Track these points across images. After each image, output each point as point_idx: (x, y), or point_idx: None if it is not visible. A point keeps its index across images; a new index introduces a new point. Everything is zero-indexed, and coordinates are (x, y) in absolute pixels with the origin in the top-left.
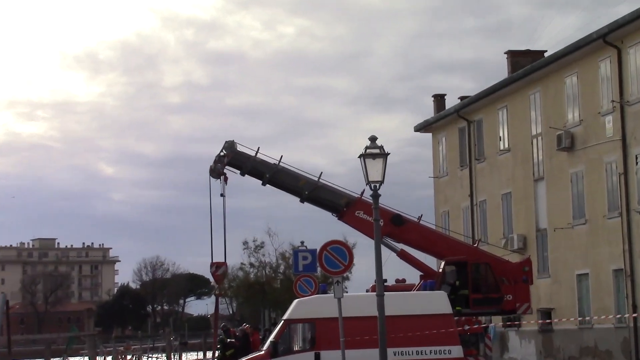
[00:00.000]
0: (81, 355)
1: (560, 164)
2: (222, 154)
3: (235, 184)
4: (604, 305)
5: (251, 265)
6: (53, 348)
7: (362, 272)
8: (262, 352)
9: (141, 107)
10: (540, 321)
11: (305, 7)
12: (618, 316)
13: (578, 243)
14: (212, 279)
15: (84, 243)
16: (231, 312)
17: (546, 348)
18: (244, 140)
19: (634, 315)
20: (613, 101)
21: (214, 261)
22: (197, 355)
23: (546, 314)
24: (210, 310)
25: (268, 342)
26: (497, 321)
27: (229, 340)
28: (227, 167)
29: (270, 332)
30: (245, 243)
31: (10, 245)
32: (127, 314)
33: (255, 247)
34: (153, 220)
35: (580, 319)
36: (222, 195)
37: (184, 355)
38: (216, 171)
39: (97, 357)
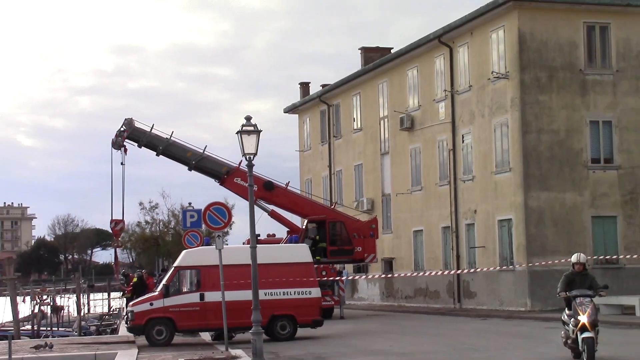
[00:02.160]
0: (4, 295)
1: (402, 141)
2: (122, 129)
3: (134, 154)
4: (434, 255)
5: (147, 222)
6: None
7: (239, 229)
8: (157, 293)
9: (55, 88)
10: (383, 269)
11: (195, 6)
12: (445, 266)
13: (415, 206)
14: (113, 234)
15: (5, 202)
16: (131, 260)
17: (388, 290)
18: (142, 118)
19: (457, 267)
20: (445, 90)
21: (113, 218)
22: (102, 295)
23: (388, 262)
24: (113, 259)
25: (161, 285)
26: (349, 268)
27: (124, 285)
28: (126, 140)
29: (163, 277)
30: (141, 204)
31: None
32: (43, 262)
33: (151, 207)
34: (64, 185)
35: (414, 268)
36: (122, 164)
37: (91, 295)
38: (117, 144)
39: (17, 298)
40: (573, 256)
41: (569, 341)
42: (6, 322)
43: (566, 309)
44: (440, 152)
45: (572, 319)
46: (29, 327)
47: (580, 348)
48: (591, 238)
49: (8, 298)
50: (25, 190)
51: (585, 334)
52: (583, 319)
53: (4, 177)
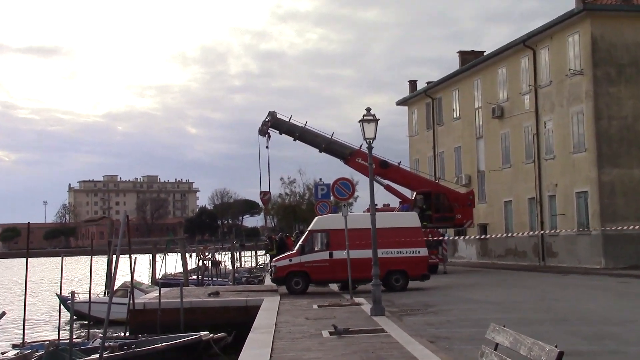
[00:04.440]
0: (175, 252)
1: (494, 128)
2: (267, 119)
3: (276, 140)
4: (522, 221)
5: (286, 194)
6: (157, 247)
7: (361, 200)
8: (294, 252)
9: (214, 88)
10: (479, 233)
11: (325, 20)
12: (531, 230)
13: (505, 180)
14: (260, 203)
15: (176, 179)
16: (273, 225)
17: (483, 250)
18: (282, 111)
19: (542, 230)
20: (530, 85)
21: (262, 190)
22: (251, 253)
23: (483, 227)
24: (260, 223)
25: (298, 245)
26: (450, 232)
27: (270, 246)
28: (270, 129)
29: (299, 239)
30: (282, 179)
31: (129, 180)
32: (205, 226)
33: (289, 182)
34: (222, 164)
35: (505, 231)
36: (267, 147)
37: (242, 252)
38: (263, 131)
39: (186, 254)
40: None
41: None
42: (178, 273)
43: None
44: (526, 136)
45: None
46: (195, 277)
47: None
48: None
49: (179, 254)
50: (192, 169)
51: None
52: None
53: (176, 158)
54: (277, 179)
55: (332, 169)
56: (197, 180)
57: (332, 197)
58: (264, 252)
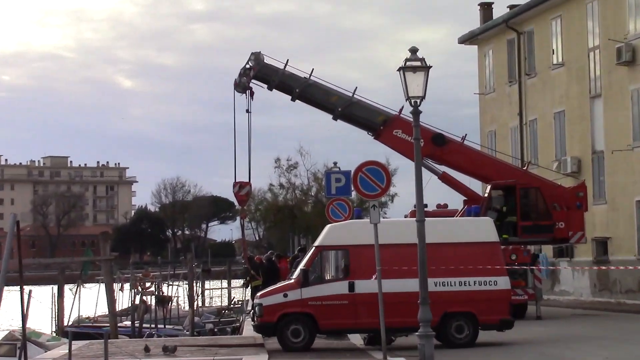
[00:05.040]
0: (97, 281)
1: (620, 80)
2: (248, 66)
3: (263, 99)
4: None
5: (281, 186)
6: (67, 273)
7: (401, 199)
8: (292, 281)
9: (162, 14)
10: (594, 253)
11: None
12: None
13: (638, 167)
14: (236, 202)
15: (98, 162)
16: (257, 238)
17: (601, 281)
18: (273, 53)
19: None
20: None
21: (237, 181)
22: (221, 283)
23: (602, 243)
24: (236, 235)
25: (298, 270)
26: (547, 251)
27: (252, 272)
28: (253, 80)
29: (300, 260)
30: (277, 161)
31: (20, 164)
32: (146, 239)
33: (288, 167)
34: (174, 139)
35: (638, 252)
36: (247, 111)
37: (206, 283)
38: (241, 85)
39: (115, 284)
40: None
41: None
42: (99, 316)
43: None
44: None
45: None
46: (129, 322)
47: None
48: None
49: (103, 285)
50: (124, 147)
51: None
52: None
53: (98, 129)
54: (265, 163)
55: (353, 148)
56: (132, 165)
57: (353, 193)
58: (242, 282)
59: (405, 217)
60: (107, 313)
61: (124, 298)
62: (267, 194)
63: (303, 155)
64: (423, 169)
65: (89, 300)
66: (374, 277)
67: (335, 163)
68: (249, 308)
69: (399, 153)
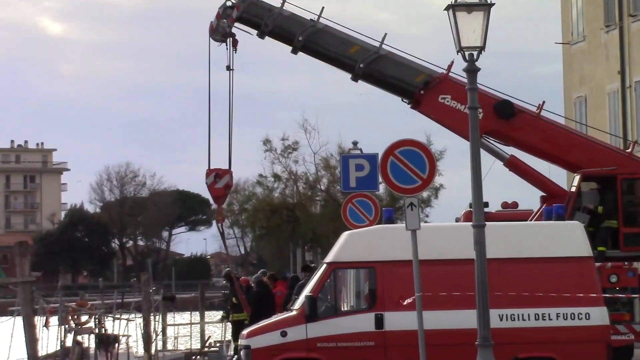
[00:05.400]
0: (10, 314)
1: None
2: (229, 4)
3: (250, 51)
4: None
5: (276, 177)
6: None
7: (450, 194)
8: (293, 314)
9: None
10: None
11: None
12: None
13: None
14: (211, 199)
15: (12, 141)
16: (243, 251)
17: None
18: None
19: None
20: None
21: (211, 168)
22: (191, 317)
23: None
24: (211, 247)
25: (302, 298)
26: None
27: (233, 300)
28: (236, 24)
29: (305, 282)
30: (266, 142)
31: None
32: (81, 252)
33: (285, 149)
34: (122, 108)
35: None
36: (228, 68)
37: (169, 316)
38: (220, 31)
39: (37, 318)
40: None
41: None
42: None
43: None
44: None
45: None
46: None
47: None
48: None
49: (19, 318)
50: (50, 119)
51: None
52: None
53: (13, 95)
54: (253, 144)
55: (380, 122)
56: (62, 146)
57: (382, 186)
58: (221, 314)
59: (456, 221)
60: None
61: (50, 338)
62: (256, 187)
63: (308, 132)
64: (482, 151)
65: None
66: (407, 304)
67: (355, 143)
68: (231, 352)
69: (447, 128)
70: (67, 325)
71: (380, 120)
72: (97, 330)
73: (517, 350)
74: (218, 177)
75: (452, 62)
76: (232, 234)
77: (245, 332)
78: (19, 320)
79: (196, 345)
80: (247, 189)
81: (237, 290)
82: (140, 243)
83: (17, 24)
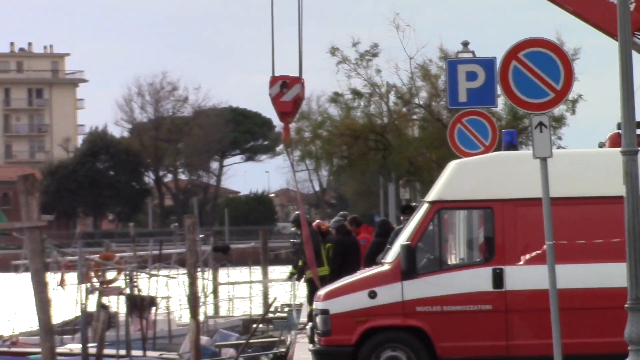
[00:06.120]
0: (13, 270)
1: None
2: None
3: None
4: None
5: (355, 93)
6: None
7: (590, 108)
8: (385, 268)
9: None
10: None
11: None
12: None
13: None
14: (278, 119)
15: (12, 43)
16: (318, 188)
17: None
18: None
19: None
20: None
21: (275, 75)
22: (250, 273)
23: None
24: (275, 183)
25: (395, 248)
26: None
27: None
28: None
29: (400, 229)
30: (334, 51)
31: None
32: (106, 190)
33: (361, 56)
34: (154, 9)
35: None
36: None
37: (222, 273)
38: None
39: (49, 275)
40: None
41: None
42: (21, 335)
43: None
44: None
45: None
46: (77, 345)
47: None
48: None
49: (26, 275)
50: (63, 17)
51: None
52: None
53: None
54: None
55: (495, 20)
56: (78, 50)
57: (500, 101)
58: (290, 270)
59: (600, 147)
60: (37, 328)
61: (68, 300)
62: (330, 105)
63: (401, 31)
64: (634, 52)
65: (5, 303)
66: (535, 256)
67: (465, 44)
68: (304, 319)
69: (584, 20)
70: (89, 285)
71: (497, 15)
72: (127, 291)
73: None
74: (285, 87)
75: None
76: (304, 166)
77: (321, 292)
78: (25, 277)
79: (257, 310)
80: (321, 106)
81: (305, 241)
82: (182, 177)
83: None
